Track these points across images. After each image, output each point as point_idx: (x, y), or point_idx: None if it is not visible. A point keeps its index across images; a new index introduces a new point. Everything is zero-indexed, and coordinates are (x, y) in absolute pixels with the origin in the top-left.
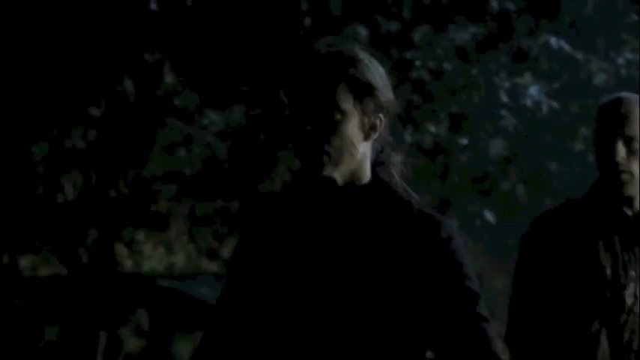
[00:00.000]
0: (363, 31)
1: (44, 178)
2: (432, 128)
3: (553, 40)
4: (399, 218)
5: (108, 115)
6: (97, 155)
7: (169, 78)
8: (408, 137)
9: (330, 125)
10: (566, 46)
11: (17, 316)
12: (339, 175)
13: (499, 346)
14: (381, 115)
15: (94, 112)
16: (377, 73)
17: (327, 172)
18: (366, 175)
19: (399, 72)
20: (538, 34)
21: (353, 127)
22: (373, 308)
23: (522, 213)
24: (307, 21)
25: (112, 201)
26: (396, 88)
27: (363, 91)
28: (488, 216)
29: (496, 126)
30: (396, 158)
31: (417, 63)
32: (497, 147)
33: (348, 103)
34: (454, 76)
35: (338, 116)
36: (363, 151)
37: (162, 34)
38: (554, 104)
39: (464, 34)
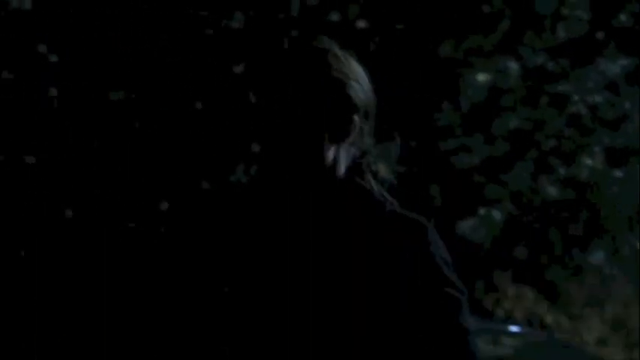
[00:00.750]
0: (514, 65)
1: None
2: (589, 161)
3: None
4: (370, 220)
5: (267, 150)
6: (257, 189)
7: None
8: (561, 170)
9: (292, 128)
10: None
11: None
12: (306, 180)
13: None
14: (354, 117)
15: (255, 147)
16: (348, 71)
17: (292, 178)
18: (337, 180)
19: (556, 106)
20: None
21: (320, 129)
22: (345, 313)
23: None
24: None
25: None
26: (549, 121)
27: (330, 90)
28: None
29: None
30: (380, 166)
31: (575, 98)
32: None
33: (313, 103)
34: (606, 109)
35: (302, 117)
36: (334, 155)
37: None
38: None
39: (614, 66)
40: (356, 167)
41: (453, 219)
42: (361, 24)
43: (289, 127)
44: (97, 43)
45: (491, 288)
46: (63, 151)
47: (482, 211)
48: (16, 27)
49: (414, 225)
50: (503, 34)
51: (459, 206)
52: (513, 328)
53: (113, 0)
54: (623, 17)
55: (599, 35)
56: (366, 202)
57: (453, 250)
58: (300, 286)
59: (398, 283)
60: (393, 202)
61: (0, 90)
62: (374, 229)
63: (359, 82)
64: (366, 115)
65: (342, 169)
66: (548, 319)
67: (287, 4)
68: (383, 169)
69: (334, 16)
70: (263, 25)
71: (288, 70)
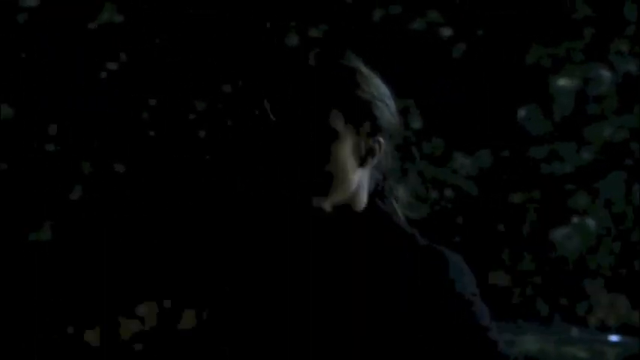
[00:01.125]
0: (605, 74)
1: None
2: None
3: None
4: (398, 251)
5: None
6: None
7: (416, 124)
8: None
9: (318, 148)
10: None
11: None
12: (329, 205)
13: None
14: (380, 139)
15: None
16: (376, 91)
17: (315, 202)
18: (361, 206)
19: None
20: None
21: (346, 151)
22: (362, 346)
23: None
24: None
25: None
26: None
27: (358, 110)
28: None
29: None
30: (400, 191)
31: None
32: None
33: (339, 123)
34: None
35: (327, 138)
36: (359, 179)
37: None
38: None
39: None
40: (378, 191)
41: (546, 227)
42: (444, 32)
43: (313, 148)
44: (183, 53)
45: (582, 296)
46: (151, 160)
47: (575, 219)
48: (107, 39)
49: (444, 261)
50: (590, 40)
51: (551, 214)
52: (613, 338)
53: (199, 14)
54: None
55: None
56: (392, 235)
57: (546, 258)
58: (301, 305)
59: (400, 313)
60: (414, 231)
61: (90, 101)
62: (386, 259)
63: (384, 101)
64: (390, 136)
65: (365, 194)
66: None
67: (370, 12)
68: (402, 194)
69: (416, 24)
70: (345, 34)
71: (313, 88)
